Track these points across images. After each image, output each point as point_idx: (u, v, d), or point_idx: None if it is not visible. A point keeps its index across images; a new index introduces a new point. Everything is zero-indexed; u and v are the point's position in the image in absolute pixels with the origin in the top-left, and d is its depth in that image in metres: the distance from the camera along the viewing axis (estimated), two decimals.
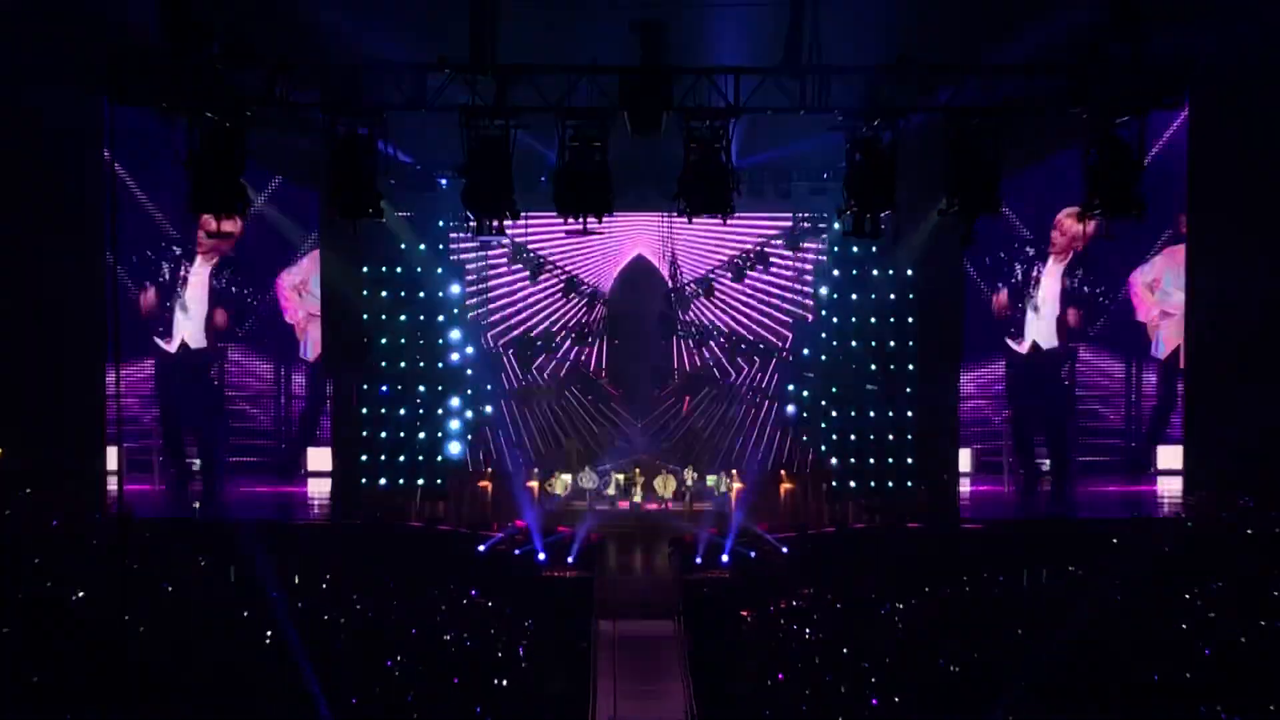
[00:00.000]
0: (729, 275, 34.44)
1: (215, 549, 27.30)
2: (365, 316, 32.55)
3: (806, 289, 34.41)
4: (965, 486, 34.73)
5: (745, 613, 25.63)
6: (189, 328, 36.72)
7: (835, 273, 32.90)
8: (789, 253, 34.25)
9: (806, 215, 33.46)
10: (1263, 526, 27.73)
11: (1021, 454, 36.49)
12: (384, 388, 32.64)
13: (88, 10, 23.70)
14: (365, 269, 32.37)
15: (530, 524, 30.18)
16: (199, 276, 36.59)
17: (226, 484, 35.49)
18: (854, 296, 32.67)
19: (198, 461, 36.65)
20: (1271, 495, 28.81)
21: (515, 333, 34.80)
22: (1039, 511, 34.16)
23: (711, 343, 34.90)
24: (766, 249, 34.22)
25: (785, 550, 29.53)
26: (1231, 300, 30.55)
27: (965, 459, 35.13)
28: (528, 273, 34.16)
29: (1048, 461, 36.77)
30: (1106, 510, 32.97)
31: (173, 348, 36.66)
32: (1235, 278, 30.26)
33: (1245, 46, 25.23)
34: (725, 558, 29.18)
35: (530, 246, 33.84)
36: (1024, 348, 36.88)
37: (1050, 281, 36.71)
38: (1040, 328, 36.87)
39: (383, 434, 32.66)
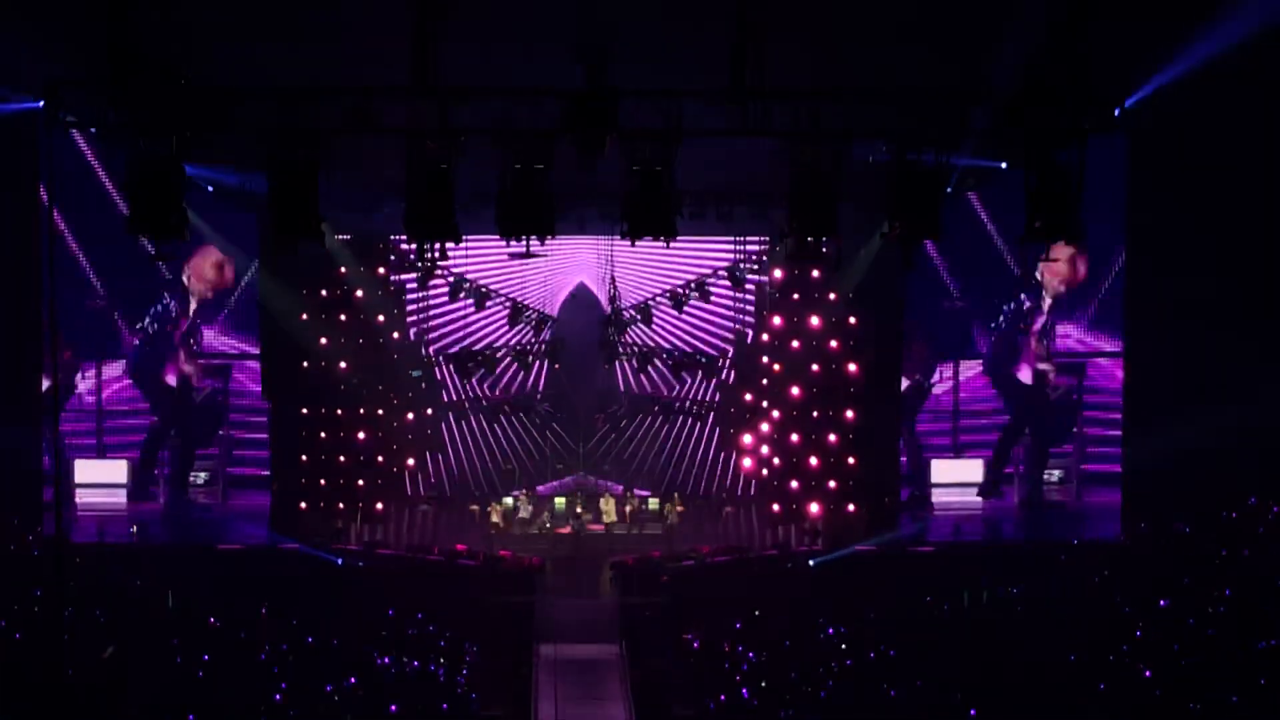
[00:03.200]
0: (669, 304, 34.35)
1: (153, 574, 27.11)
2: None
3: (748, 319, 34.55)
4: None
5: (688, 635, 25.56)
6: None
7: (777, 295, 33.01)
8: (730, 285, 34.17)
9: (746, 247, 33.71)
10: (1198, 550, 28.05)
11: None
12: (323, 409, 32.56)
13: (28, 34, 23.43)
14: (304, 292, 32.17)
15: None
16: None
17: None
18: (795, 319, 32.76)
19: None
20: (1207, 520, 29.17)
21: (454, 349, 34.67)
22: (997, 534, 34.24)
23: (656, 362, 34.73)
24: (707, 282, 34.14)
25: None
26: (1168, 324, 30.96)
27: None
28: (472, 302, 33.99)
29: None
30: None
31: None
32: (1171, 301, 30.69)
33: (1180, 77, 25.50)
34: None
35: (472, 272, 33.64)
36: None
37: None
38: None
39: (322, 456, 32.47)
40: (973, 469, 36.09)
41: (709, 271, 34.05)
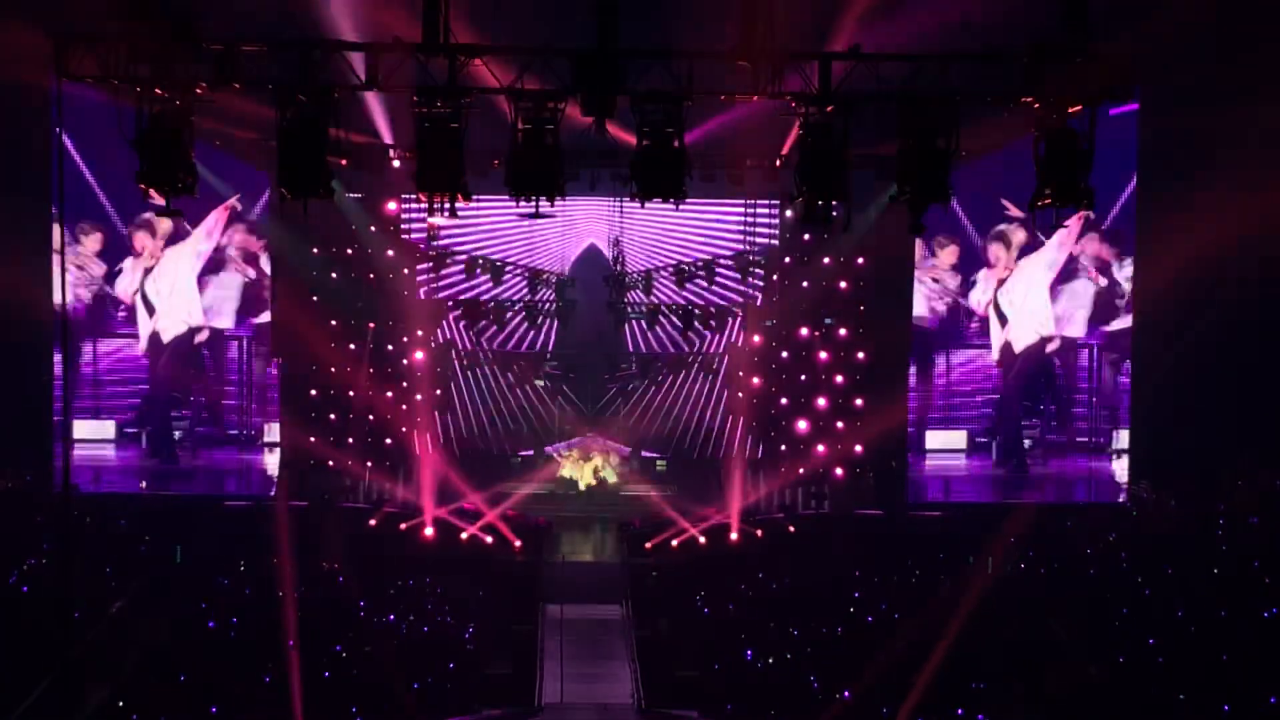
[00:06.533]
0: (672, 279, 33.97)
1: (162, 529, 27.19)
2: (315, 297, 32.43)
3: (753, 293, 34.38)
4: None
5: (693, 597, 25.66)
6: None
7: (786, 260, 32.96)
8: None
9: (756, 211, 33.54)
10: (1204, 516, 28.06)
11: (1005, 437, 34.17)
12: (333, 368, 32.64)
13: None
14: (315, 249, 32.24)
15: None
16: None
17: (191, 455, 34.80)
18: (805, 284, 32.76)
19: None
20: (1213, 486, 29.16)
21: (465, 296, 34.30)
22: (997, 495, 33.69)
23: (662, 319, 34.51)
24: (715, 264, 33.62)
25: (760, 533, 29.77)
26: (1176, 292, 30.88)
27: (961, 439, 34.02)
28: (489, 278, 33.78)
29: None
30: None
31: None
32: (1181, 269, 30.58)
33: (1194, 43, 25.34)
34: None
35: (483, 235, 33.57)
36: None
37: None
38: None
39: (331, 415, 32.58)
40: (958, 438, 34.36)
41: (718, 240, 33.91)
